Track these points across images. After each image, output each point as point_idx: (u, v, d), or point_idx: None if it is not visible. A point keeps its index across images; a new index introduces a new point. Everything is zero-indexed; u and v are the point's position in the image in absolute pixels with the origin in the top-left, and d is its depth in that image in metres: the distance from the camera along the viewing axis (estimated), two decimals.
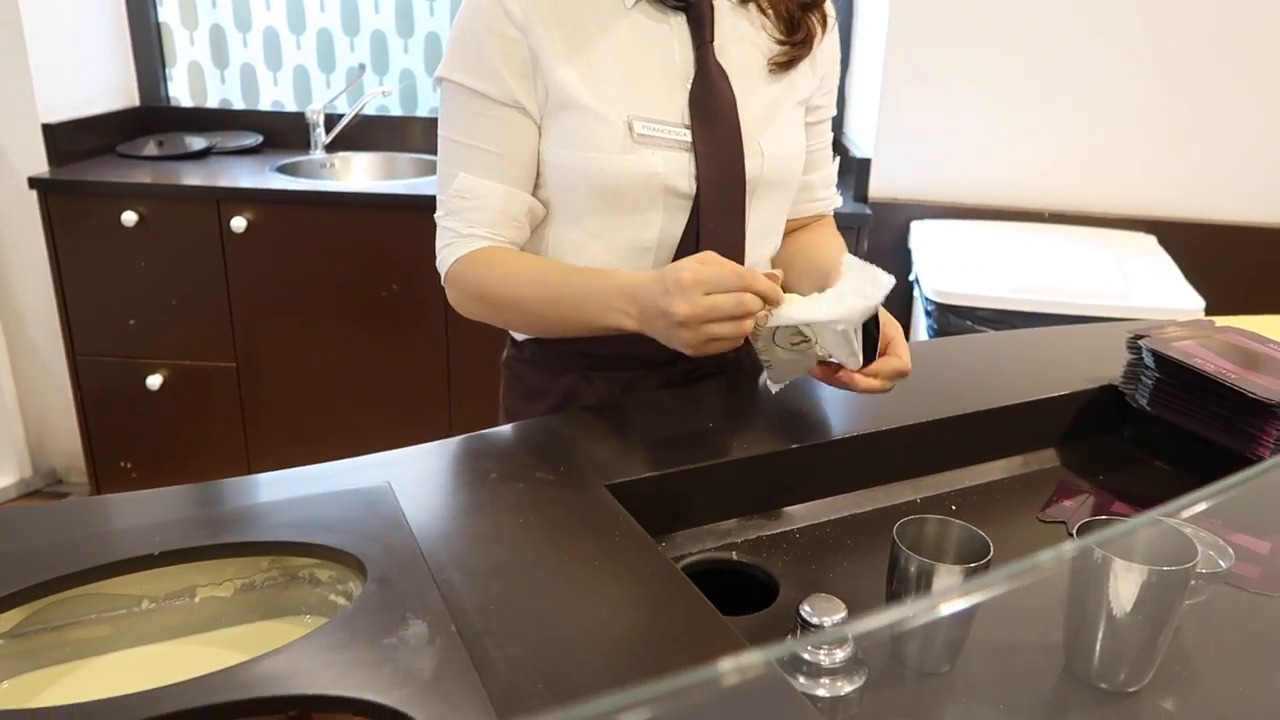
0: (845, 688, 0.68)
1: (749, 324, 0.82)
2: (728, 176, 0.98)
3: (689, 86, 0.97)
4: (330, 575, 0.72)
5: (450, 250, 0.99)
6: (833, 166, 1.17)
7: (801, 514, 0.92)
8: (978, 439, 1.02)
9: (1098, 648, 0.70)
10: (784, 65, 1.03)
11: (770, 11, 1.03)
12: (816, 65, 1.07)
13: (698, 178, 0.97)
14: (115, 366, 2.43)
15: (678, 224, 0.99)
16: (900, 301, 2.27)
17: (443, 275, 1.01)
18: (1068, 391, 1.08)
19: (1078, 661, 0.71)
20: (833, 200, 1.19)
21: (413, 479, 0.83)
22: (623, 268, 1.00)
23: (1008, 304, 1.96)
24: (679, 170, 0.96)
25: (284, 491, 0.79)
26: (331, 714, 0.56)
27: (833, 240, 1.16)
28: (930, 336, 2.00)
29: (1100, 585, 0.69)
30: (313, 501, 0.76)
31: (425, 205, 1.04)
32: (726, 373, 1.11)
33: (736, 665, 0.62)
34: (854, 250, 2.15)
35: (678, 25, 0.98)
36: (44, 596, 0.65)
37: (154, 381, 2.41)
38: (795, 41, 1.03)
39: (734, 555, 0.85)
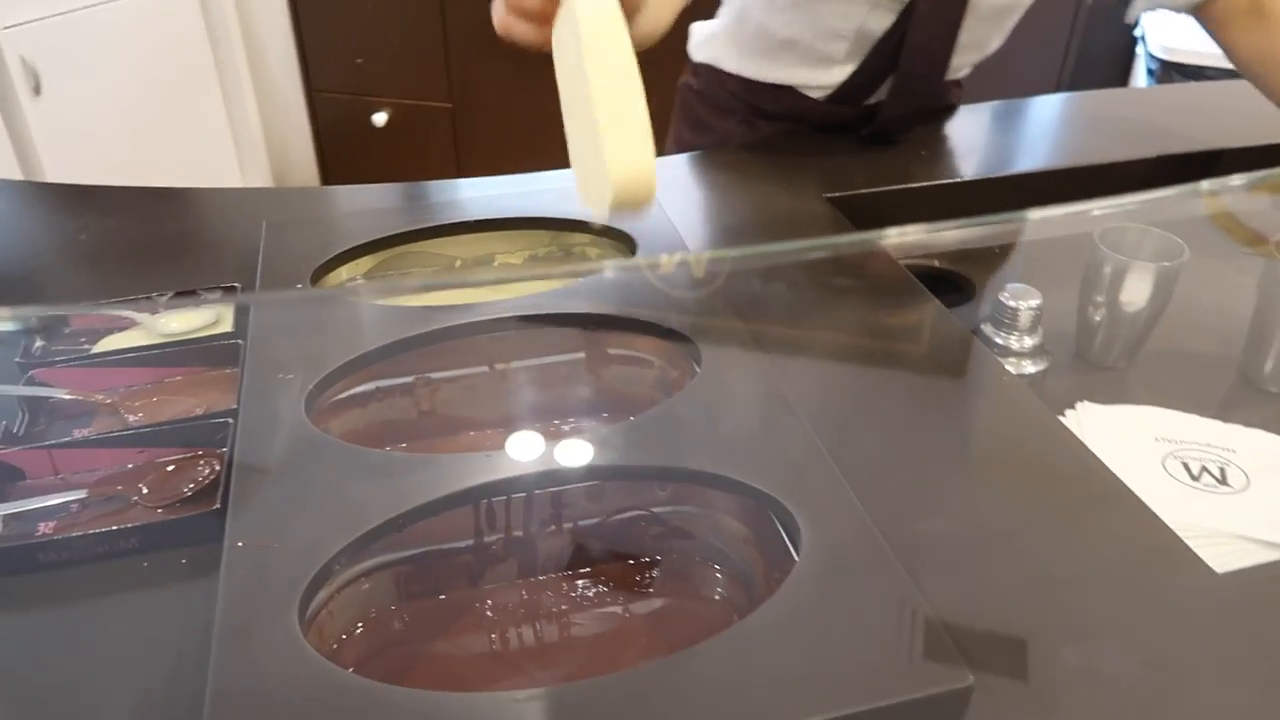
0: (1029, 369, 0.80)
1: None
2: None
3: None
4: (599, 253, 0.87)
5: None
6: None
7: (1002, 232, 1.01)
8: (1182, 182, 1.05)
9: (1272, 354, 0.78)
10: None
11: None
12: None
13: None
14: (346, 103, 2.66)
15: (880, 21, 0.96)
16: (1121, 57, 2.16)
17: None
18: None
19: (1253, 367, 0.80)
20: None
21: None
22: (816, 45, 1.00)
23: None
24: None
25: (552, 185, 0.94)
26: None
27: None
28: None
29: None
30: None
31: None
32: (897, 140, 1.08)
33: (931, 318, 0.74)
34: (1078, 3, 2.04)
35: None
36: (389, 248, 0.84)
37: (379, 119, 2.63)
38: None
39: (936, 263, 0.96)
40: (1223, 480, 0.67)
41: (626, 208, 0.49)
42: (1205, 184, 0.95)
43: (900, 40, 0.97)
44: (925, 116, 1.09)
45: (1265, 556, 0.61)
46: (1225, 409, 0.78)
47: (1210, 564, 0.55)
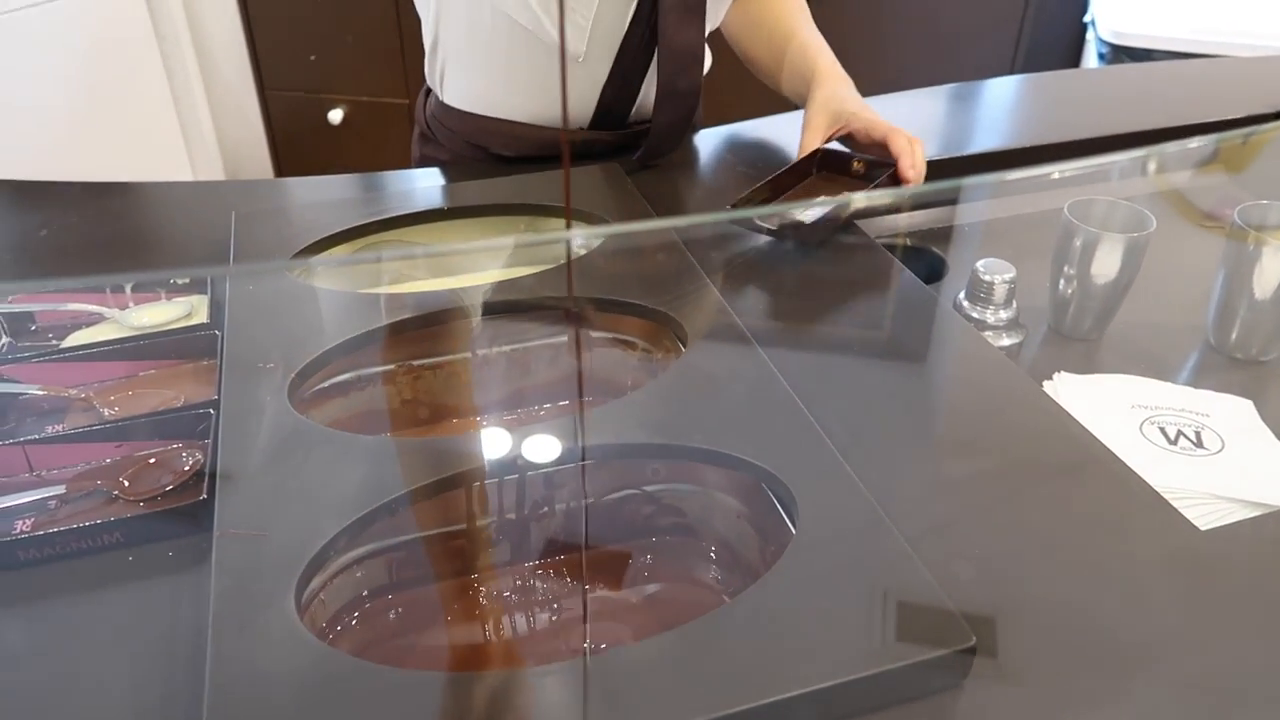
0: (1005, 341, 0.81)
1: None
2: None
3: None
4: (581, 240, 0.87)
5: None
6: None
7: (971, 209, 1.02)
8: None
9: (1238, 322, 0.80)
10: None
11: None
12: None
13: None
14: (300, 100, 2.62)
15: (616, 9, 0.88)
16: (1072, 43, 2.20)
17: None
18: (1242, 115, 1.11)
19: (1220, 335, 0.81)
20: None
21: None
22: (550, 33, 0.88)
23: (1188, 46, 1.89)
24: None
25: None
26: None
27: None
28: None
29: (1248, 266, 0.78)
30: (552, 177, 0.91)
31: None
32: None
33: (910, 292, 0.75)
34: None
35: None
36: (364, 236, 0.82)
37: (335, 116, 2.59)
38: None
39: (907, 241, 0.96)
40: (1199, 444, 0.68)
41: None
42: (1169, 146, 0.97)
43: (647, 34, 0.89)
44: (685, 127, 0.97)
45: (1244, 514, 0.62)
46: (1195, 376, 0.80)
47: (1194, 522, 0.56)
